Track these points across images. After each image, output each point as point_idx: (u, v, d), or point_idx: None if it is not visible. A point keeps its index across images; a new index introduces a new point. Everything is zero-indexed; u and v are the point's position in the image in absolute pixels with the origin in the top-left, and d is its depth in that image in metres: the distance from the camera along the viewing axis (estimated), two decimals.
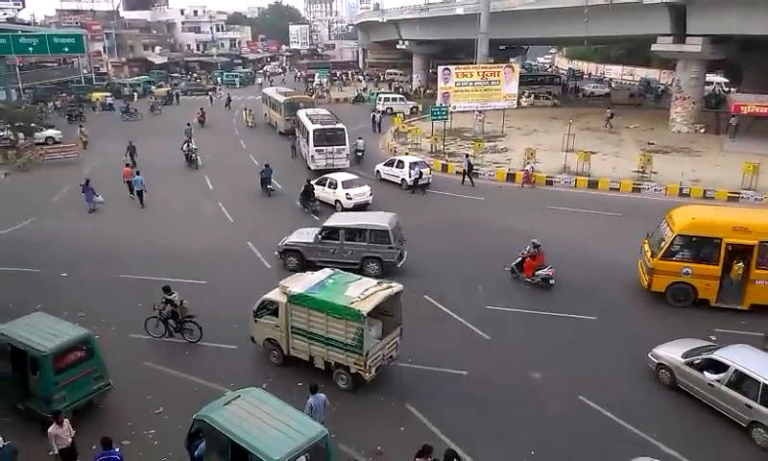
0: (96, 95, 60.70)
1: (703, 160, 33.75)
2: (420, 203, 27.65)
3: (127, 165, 30.91)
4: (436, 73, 43.93)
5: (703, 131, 42.08)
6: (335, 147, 31.69)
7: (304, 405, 11.22)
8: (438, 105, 38.54)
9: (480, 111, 41.93)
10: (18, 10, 78.00)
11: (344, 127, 32.73)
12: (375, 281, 14.08)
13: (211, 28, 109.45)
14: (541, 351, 15.02)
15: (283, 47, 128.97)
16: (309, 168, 32.02)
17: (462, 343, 15.52)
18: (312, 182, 26.91)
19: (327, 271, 14.74)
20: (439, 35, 63.42)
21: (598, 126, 44.10)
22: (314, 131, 31.79)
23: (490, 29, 41.46)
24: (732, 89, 56.03)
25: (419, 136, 38.74)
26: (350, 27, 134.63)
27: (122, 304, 17.02)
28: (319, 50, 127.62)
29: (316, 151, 31.63)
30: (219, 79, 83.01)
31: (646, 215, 22.70)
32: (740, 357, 12.43)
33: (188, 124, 40.13)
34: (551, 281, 18.29)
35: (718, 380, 12.36)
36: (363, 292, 13.18)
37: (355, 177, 28.16)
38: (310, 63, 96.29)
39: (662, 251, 16.96)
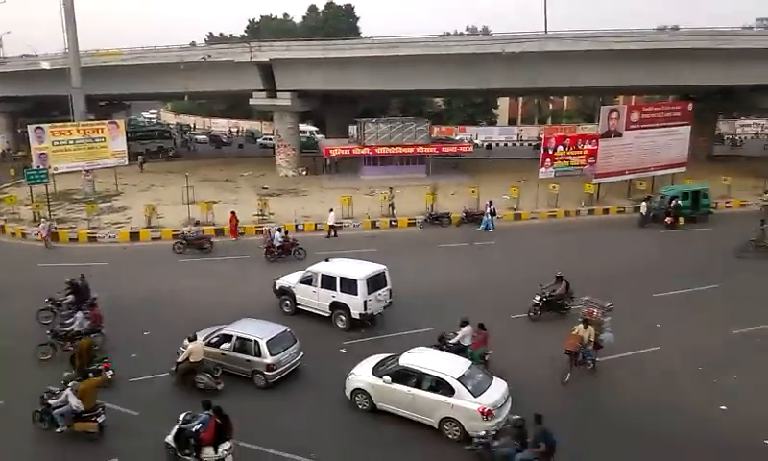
0: None
1: (309, 198, 38.35)
2: None
3: None
4: (27, 133, 38.80)
5: (305, 173, 47.82)
6: None
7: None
8: (35, 166, 34.12)
9: (87, 171, 38.75)
10: None
11: None
12: None
13: None
14: None
15: None
16: None
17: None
18: None
19: None
20: (24, 91, 55.58)
21: (216, 177, 45.63)
22: None
23: (85, 84, 38.92)
24: (321, 136, 65.07)
25: (15, 205, 33.49)
26: None
27: None
28: None
29: None
30: None
31: None
32: (239, 327, 16.17)
33: None
34: None
35: (228, 348, 15.75)
36: None
37: None
38: None
39: None
